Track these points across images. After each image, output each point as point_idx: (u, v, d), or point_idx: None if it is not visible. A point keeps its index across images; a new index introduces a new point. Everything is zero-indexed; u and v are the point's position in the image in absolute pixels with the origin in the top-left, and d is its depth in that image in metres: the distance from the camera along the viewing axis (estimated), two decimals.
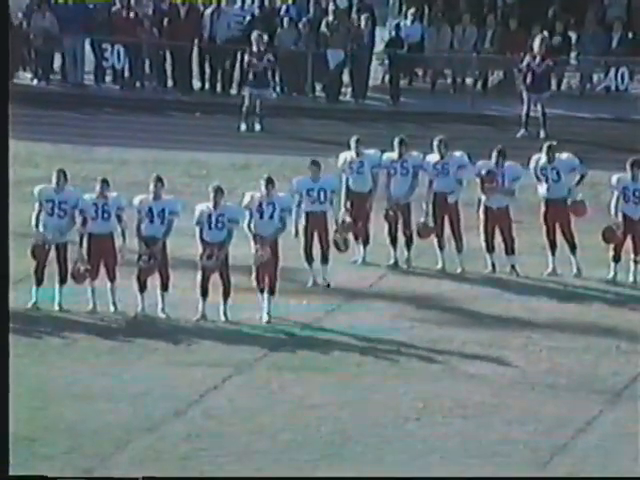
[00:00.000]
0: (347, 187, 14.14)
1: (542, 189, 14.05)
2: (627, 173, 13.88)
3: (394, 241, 14.35)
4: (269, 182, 13.06)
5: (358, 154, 14.13)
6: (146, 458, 10.45)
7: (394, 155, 14.25)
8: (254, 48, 19.12)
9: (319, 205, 13.44)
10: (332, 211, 13.60)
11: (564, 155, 14.12)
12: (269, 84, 19.35)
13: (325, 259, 13.58)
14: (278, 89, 20.47)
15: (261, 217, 12.99)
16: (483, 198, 14.02)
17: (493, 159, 14.06)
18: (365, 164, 14.12)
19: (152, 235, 13.11)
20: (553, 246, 14.04)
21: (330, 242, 13.65)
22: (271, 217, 12.99)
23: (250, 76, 19.12)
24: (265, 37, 19.23)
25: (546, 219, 14.01)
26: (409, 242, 14.29)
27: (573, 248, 13.99)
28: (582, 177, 14.01)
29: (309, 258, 13.55)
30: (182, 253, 13.59)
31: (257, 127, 19.16)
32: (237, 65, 20.63)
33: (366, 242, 14.22)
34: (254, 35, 19.21)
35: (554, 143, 14.16)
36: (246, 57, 19.22)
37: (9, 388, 8.28)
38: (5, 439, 8.28)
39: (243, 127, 19.14)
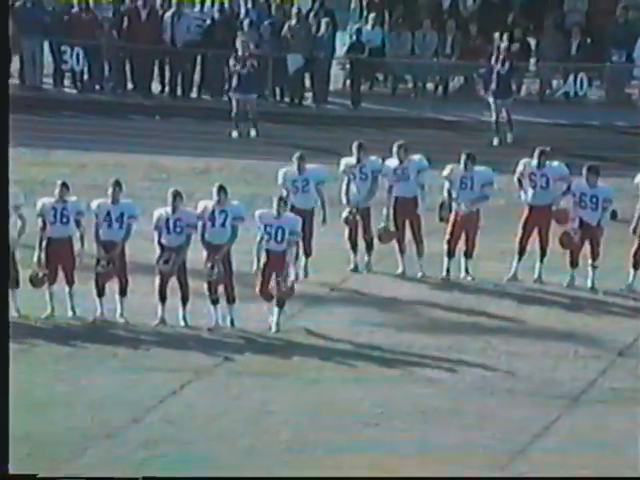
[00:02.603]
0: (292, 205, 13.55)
1: (527, 194, 14.04)
2: (583, 179, 13.97)
3: (354, 246, 14.34)
4: (221, 190, 12.97)
5: (300, 170, 13.73)
6: (103, 464, 10.37)
7: (352, 160, 14.24)
8: (239, 53, 18.98)
9: (277, 245, 12.73)
10: (291, 252, 12.75)
11: (555, 163, 14.14)
12: (254, 89, 19.21)
13: (281, 304, 12.75)
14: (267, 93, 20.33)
15: (213, 225, 12.91)
16: (454, 202, 14.01)
17: (462, 164, 14.09)
18: (310, 181, 13.80)
19: (111, 239, 13.04)
20: (522, 252, 14.04)
21: (286, 287, 12.81)
22: (223, 225, 12.92)
23: (234, 82, 18.96)
24: (248, 42, 19.10)
25: (526, 224, 14.01)
26: (369, 247, 14.28)
27: (543, 255, 14.01)
28: (568, 188, 13.96)
29: (265, 296, 12.87)
30: (141, 258, 13.52)
31: (252, 133, 19.00)
32: (197, 68, 20.58)
33: (309, 254, 13.84)
34: (238, 41, 19.07)
35: (547, 149, 14.16)
36: (231, 62, 19.06)
37: (9, 389, 8.19)
38: (5, 439, 8.18)
39: (235, 134, 18.91)
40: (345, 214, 14.05)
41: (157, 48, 20.51)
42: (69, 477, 9.84)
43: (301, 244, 13.39)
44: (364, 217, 14.17)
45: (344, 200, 14.12)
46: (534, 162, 14.11)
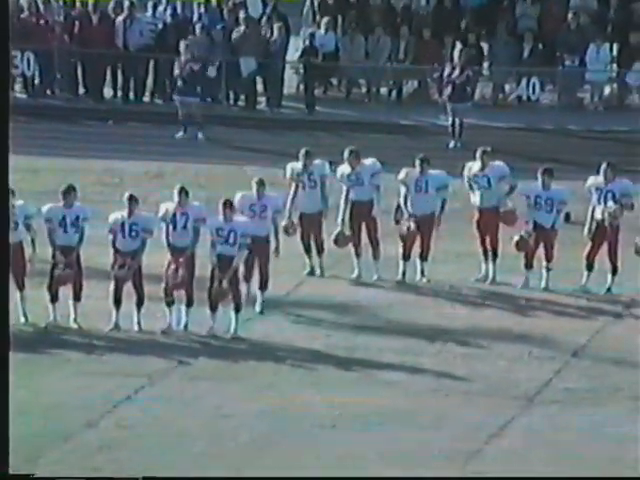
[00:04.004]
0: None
1: (475, 197, 14.13)
2: (538, 181, 14.05)
3: (308, 249, 14.31)
4: (182, 192, 12.91)
5: (259, 196, 13.21)
6: (58, 470, 10.26)
7: (299, 166, 14.17)
8: (182, 57, 18.94)
9: (229, 248, 12.64)
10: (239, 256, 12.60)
11: (496, 163, 14.22)
12: (195, 92, 19.18)
13: (237, 308, 12.72)
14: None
15: (174, 228, 12.84)
16: (408, 205, 14.02)
17: (417, 167, 14.11)
18: (267, 207, 13.18)
19: (67, 244, 12.93)
20: (486, 253, 14.10)
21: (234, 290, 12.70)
22: (184, 227, 12.85)
23: (179, 84, 18.95)
24: (192, 46, 19.05)
25: (479, 227, 14.08)
26: (320, 250, 14.19)
27: (495, 256, 14.07)
28: (512, 188, 14.05)
29: (213, 308, 12.72)
30: (95, 262, 13.40)
31: (199, 136, 18.95)
32: (150, 73, 20.48)
33: (264, 287, 13.37)
34: (181, 44, 19.03)
35: (488, 149, 14.23)
36: (176, 65, 19.02)
37: (9, 390, 8.06)
38: (5, 439, 8.11)
39: (179, 135, 18.91)
40: (285, 222, 13.84)
41: (109, 52, 20.39)
42: (69, 477, 9.71)
43: (256, 271, 13.08)
44: (313, 223, 14.05)
45: (289, 208, 13.88)
46: (476, 164, 14.18)
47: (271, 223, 13.23)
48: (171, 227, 12.80)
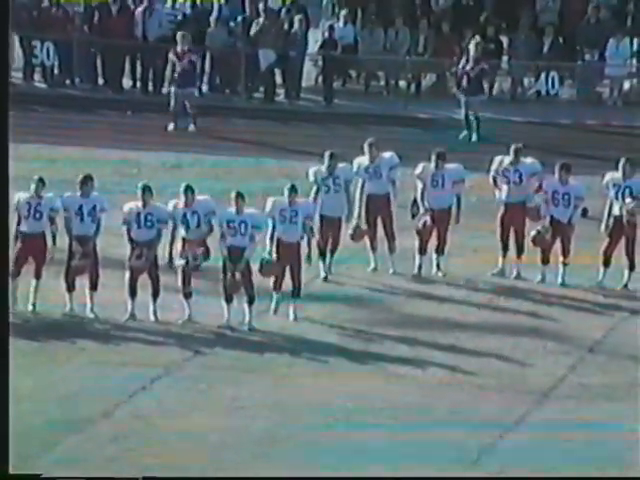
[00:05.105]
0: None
1: (502, 191, 14.04)
2: (555, 176, 14.02)
3: (324, 253, 13.96)
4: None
5: (289, 200, 12.90)
6: (72, 459, 10.31)
7: (323, 169, 13.96)
8: (178, 48, 18.95)
9: (240, 239, 12.55)
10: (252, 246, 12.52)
11: (528, 159, 14.17)
12: (193, 83, 19.22)
13: (251, 301, 12.70)
14: (206, 88, 20.38)
15: (188, 227, 12.81)
16: (425, 200, 13.98)
17: (432, 162, 14.09)
18: (299, 213, 12.86)
19: (84, 234, 12.98)
20: (505, 248, 14.06)
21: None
22: (198, 226, 12.75)
23: (175, 75, 18.95)
24: (189, 36, 19.08)
25: (503, 222, 14.02)
26: (333, 252, 13.90)
27: (521, 252, 14.01)
28: (541, 185, 13.98)
29: (227, 299, 12.65)
30: (111, 252, 13.44)
31: (191, 127, 19.02)
32: (169, 64, 20.51)
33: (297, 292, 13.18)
34: (178, 35, 19.06)
35: (521, 146, 14.13)
36: (170, 56, 19.06)
37: (9, 388, 8.10)
38: (5, 439, 8.16)
39: (171, 127, 18.93)
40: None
41: (128, 43, 20.43)
42: (70, 477, 9.77)
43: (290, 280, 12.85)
44: (334, 226, 13.77)
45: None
46: (508, 159, 14.15)
47: (302, 229, 12.93)
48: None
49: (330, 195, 13.82)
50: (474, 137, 18.70)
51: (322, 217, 13.82)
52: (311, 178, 13.92)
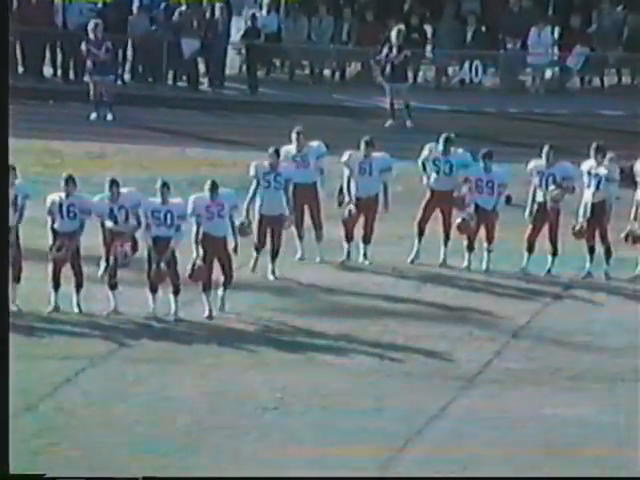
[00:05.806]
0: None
1: (430, 179, 14.05)
2: (479, 164, 14.11)
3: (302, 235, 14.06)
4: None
5: (211, 196, 12.73)
6: None
7: (265, 164, 13.79)
8: (91, 36, 18.80)
9: (165, 230, 12.52)
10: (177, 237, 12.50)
11: (460, 150, 14.10)
12: (110, 71, 19.05)
13: (176, 291, 12.62)
14: (128, 77, 20.20)
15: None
16: (352, 188, 13.96)
17: (361, 149, 14.09)
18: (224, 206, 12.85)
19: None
20: (421, 233, 14.12)
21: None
22: (126, 220, 12.68)
23: (89, 64, 18.82)
24: (101, 25, 18.87)
25: (427, 207, 14.01)
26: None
27: (447, 239, 14.08)
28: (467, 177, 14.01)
29: (152, 290, 12.65)
30: (35, 244, 13.25)
31: (109, 116, 18.85)
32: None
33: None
34: (90, 24, 18.93)
35: (452, 135, 14.01)
36: (83, 46, 18.87)
37: (9, 388, 7.89)
38: (5, 439, 8.10)
39: (93, 116, 18.83)
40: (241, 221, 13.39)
41: (49, 31, 20.14)
42: (70, 477, 9.61)
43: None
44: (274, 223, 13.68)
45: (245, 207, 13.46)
46: (440, 147, 14.20)
47: (229, 221, 12.80)
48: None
49: (270, 191, 13.70)
50: (409, 124, 18.74)
51: (261, 215, 13.65)
52: (252, 172, 13.81)
